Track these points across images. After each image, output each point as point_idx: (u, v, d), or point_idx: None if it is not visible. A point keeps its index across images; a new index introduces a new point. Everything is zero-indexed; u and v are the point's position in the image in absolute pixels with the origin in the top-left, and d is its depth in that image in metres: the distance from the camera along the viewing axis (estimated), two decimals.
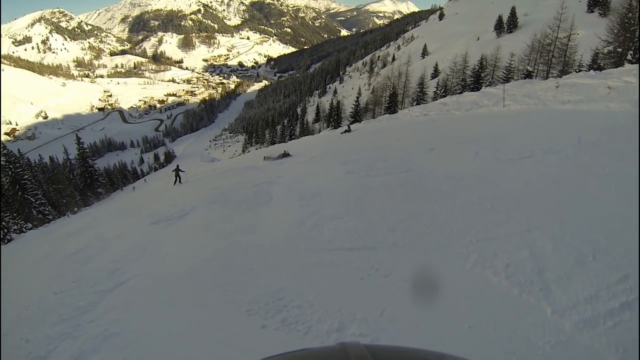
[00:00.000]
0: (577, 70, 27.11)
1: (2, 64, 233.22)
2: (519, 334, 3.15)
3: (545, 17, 37.52)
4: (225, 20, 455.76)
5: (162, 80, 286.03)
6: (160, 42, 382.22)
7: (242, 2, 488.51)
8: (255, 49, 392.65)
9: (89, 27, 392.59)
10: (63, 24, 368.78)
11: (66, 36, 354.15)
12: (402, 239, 5.06)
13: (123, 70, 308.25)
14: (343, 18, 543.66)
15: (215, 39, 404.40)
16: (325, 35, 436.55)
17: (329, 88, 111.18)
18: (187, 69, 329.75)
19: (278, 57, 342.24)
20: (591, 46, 29.80)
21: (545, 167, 7.17)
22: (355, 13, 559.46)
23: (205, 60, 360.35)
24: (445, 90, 43.50)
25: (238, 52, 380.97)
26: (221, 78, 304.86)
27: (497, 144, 9.58)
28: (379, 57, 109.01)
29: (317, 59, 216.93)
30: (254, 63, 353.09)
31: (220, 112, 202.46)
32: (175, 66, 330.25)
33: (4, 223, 21.36)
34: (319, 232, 5.90)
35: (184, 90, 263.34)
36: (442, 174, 7.86)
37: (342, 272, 4.51)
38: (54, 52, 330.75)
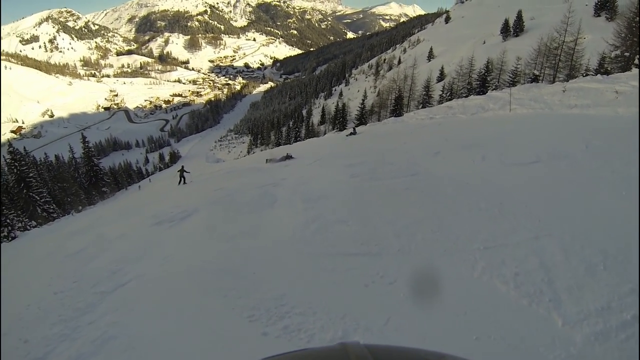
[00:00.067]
0: (584, 75, 26.91)
1: (10, 62, 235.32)
2: (529, 346, 3.05)
3: (552, 20, 37.41)
4: (231, 22, 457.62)
5: (168, 81, 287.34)
6: (166, 42, 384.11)
7: (248, 4, 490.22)
8: (261, 50, 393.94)
9: (96, 26, 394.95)
10: (70, 24, 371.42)
11: (73, 35, 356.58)
12: (408, 245, 4.96)
13: (129, 70, 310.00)
14: (349, 20, 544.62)
15: (222, 40, 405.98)
16: (332, 38, 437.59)
17: (335, 90, 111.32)
18: (193, 69, 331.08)
19: (284, 58, 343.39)
20: (598, 50, 29.64)
21: (553, 172, 7.05)
22: (361, 16, 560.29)
23: (211, 61, 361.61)
24: (451, 94, 43.36)
25: (244, 54, 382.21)
26: (227, 79, 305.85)
27: (504, 149, 9.46)
28: (384, 59, 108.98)
29: (323, 61, 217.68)
30: (260, 64, 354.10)
31: (226, 113, 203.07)
32: (181, 67, 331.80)
33: (8, 221, 21.40)
34: (322, 237, 5.81)
35: (189, 90, 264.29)
36: (448, 178, 7.76)
37: (346, 279, 4.41)
38: (61, 51, 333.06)
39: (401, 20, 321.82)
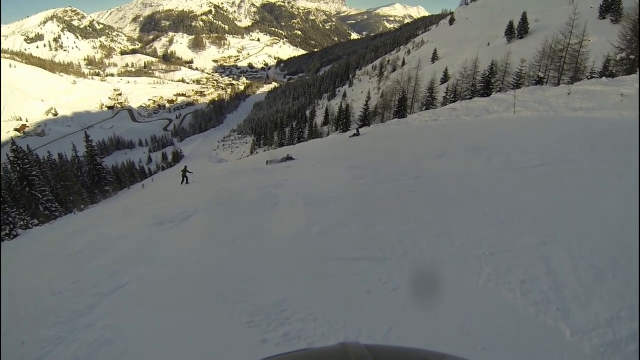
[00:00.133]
0: (589, 77, 26.77)
1: (14, 61, 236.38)
2: (537, 358, 2.95)
3: (556, 22, 37.25)
4: (235, 22, 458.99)
5: (171, 80, 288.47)
6: (170, 42, 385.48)
7: (252, 4, 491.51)
8: (265, 50, 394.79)
9: (101, 26, 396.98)
10: (75, 23, 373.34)
11: (78, 34, 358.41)
12: (412, 250, 4.85)
13: (133, 69, 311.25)
14: (353, 21, 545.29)
15: (226, 40, 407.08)
16: (336, 38, 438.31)
17: (338, 91, 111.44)
18: (196, 69, 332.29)
19: (288, 59, 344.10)
20: (603, 53, 29.48)
21: (559, 176, 6.95)
22: (365, 16, 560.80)
23: (215, 61, 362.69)
24: (454, 95, 43.30)
25: (248, 54, 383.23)
26: (230, 79, 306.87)
27: (508, 151, 9.37)
28: (388, 60, 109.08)
29: (327, 62, 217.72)
30: (264, 65, 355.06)
31: (229, 113, 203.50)
32: (185, 66, 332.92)
33: (10, 219, 21.43)
34: (324, 240, 5.71)
35: (193, 90, 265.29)
36: (452, 181, 7.66)
37: (348, 284, 4.30)
38: (65, 50, 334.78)
39: (405, 22, 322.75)
